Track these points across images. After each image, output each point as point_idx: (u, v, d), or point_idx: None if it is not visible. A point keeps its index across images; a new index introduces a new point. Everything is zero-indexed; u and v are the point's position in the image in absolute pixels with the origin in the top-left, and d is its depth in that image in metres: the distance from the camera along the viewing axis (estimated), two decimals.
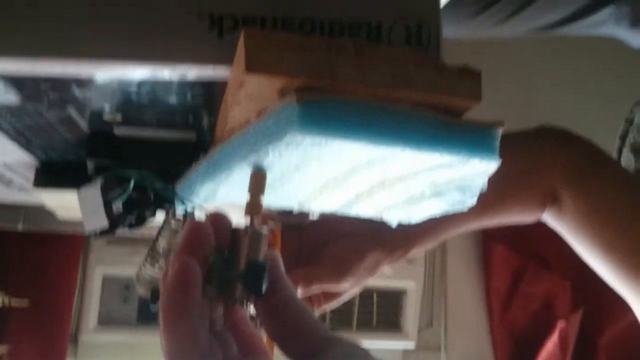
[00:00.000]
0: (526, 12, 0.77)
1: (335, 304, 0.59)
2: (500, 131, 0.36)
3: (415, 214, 0.47)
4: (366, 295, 1.45)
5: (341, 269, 0.55)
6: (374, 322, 1.45)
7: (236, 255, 0.35)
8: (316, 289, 0.55)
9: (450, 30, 0.85)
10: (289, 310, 0.34)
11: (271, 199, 0.45)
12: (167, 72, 0.39)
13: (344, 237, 0.56)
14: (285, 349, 0.34)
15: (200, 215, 0.56)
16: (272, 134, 0.33)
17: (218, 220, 0.35)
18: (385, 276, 1.46)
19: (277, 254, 0.36)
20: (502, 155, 0.54)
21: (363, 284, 0.58)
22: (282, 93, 0.33)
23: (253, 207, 0.37)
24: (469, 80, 0.36)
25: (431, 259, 1.54)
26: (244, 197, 0.38)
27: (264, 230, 0.36)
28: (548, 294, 1.53)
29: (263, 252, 0.35)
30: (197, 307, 0.31)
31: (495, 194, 0.54)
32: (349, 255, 0.55)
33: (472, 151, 0.35)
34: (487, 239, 1.59)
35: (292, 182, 0.41)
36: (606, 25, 0.77)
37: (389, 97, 0.34)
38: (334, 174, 0.39)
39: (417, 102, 0.35)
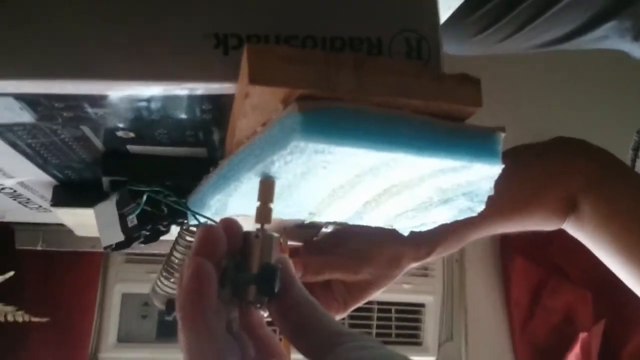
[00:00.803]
0: (527, 31, 0.78)
1: (358, 303, 0.59)
2: (502, 136, 0.36)
3: (425, 222, 0.48)
4: (384, 309, 1.45)
5: (359, 259, 0.56)
6: (393, 337, 1.45)
7: (248, 259, 0.36)
8: (331, 276, 0.55)
9: (452, 48, 0.86)
10: (300, 309, 0.35)
11: (282, 209, 0.46)
12: (176, 90, 0.40)
13: (365, 233, 0.57)
14: (300, 348, 0.34)
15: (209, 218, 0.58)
16: (277, 142, 0.34)
17: (229, 225, 0.36)
18: (403, 291, 1.46)
19: (288, 258, 0.37)
20: (525, 162, 0.57)
21: (389, 281, 0.59)
22: (285, 103, 0.34)
23: (263, 213, 0.38)
24: (468, 87, 0.36)
25: (449, 273, 1.54)
26: (254, 208, 0.39)
27: (275, 234, 0.37)
28: (569, 306, 1.51)
29: (274, 256, 0.36)
30: (213, 306, 0.32)
31: (518, 198, 0.56)
32: (368, 247, 0.56)
33: (475, 155, 0.35)
34: (506, 252, 1.58)
35: (301, 191, 0.42)
36: (609, 39, 0.77)
37: (389, 105, 0.35)
38: (341, 182, 0.40)
39: (418, 110, 0.36)
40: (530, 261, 1.54)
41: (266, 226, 0.37)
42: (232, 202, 0.46)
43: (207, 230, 0.35)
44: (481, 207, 0.43)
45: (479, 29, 0.81)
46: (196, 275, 0.32)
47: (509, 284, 1.57)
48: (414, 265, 0.59)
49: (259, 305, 0.36)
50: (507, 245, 1.56)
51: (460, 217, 0.46)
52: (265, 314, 0.38)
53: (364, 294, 0.58)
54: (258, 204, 0.38)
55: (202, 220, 0.53)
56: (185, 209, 0.54)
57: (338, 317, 0.58)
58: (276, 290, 0.35)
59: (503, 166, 0.36)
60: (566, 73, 1.63)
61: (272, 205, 0.38)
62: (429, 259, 0.58)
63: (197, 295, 0.32)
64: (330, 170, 0.37)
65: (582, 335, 1.41)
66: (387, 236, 0.55)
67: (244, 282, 0.35)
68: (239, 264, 0.35)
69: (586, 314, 1.47)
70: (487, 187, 0.40)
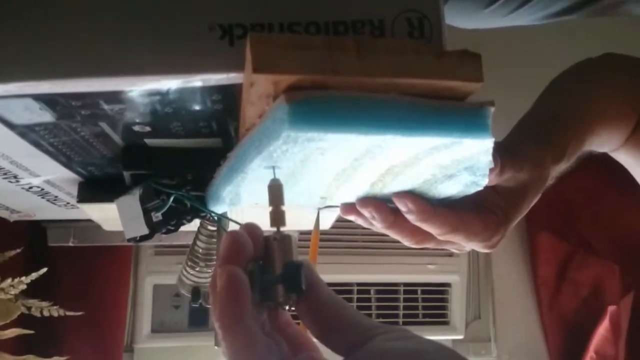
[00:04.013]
0: (537, 1, 0.76)
1: (519, 212, 0.52)
2: (491, 110, 0.37)
3: (434, 197, 0.48)
4: (410, 291, 1.46)
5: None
6: (420, 317, 1.45)
7: (271, 261, 0.36)
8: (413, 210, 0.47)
9: (463, 22, 0.85)
10: (329, 307, 0.35)
11: (293, 197, 0.47)
12: (185, 83, 0.41)
13: None
14: (331, 346, 0.34)
15: (232, 217, 0.59)
16: (271, 134, 0.35)
17: (252, 230, 0.37)
18: (428, 271, 1.46)
19: (309, 260, 0.38)
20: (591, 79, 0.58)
21: (542, 183, 0.52)
22: (276, 94, 0.35)
23: (276, 217, 0.39)
24: (469, 63, 0.37)
25: (474, 252, 1.53)
26: (266, 196, 0.40)
27: (292, 234, 0.37)
28: (597, 280, 1.50)
29: (295, 255, 0.37)
30: (249, 311, 0.33)
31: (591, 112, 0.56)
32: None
33: (464, 131, 0.36)
34: (532, 228, 1.57)
35: (306, 177, 0.43)
36: (625, 5, 0.75)
37: (390, 86, 0.36)
38: (342, 166, 0.41)
39: (420, 89, 0.36)
40: (556, 236, 1.52)
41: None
42: (243, 192, 0.47)
43: (234, 237, 0.35)
44: (485, 181, 0.43)
45: (490, 0, 0.80)
46: (230, 284, 0.33)
47: (536, 260, 1.56)
48: (558, 169, 0.53)
49: (287, 307, 0.37)
50: (532, 221, 1.55)
51: (468, 192, 0.46)
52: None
53: (523, 201, 0.52)
54: (270, 208, 0.39)
55: (224, 217, 0.54)
56: (202, 208, 0.55)
57: (501, 231, 0.51)
58: (304, 286, 0.35)
59: (494, 139, 0.37)
60: (574, 43, 1.58)
61: (283, 208, 0.39)
62: (564, 165, 0.54)
63: (233, 302, 0.32)
64: (327, 156, 0.38)
65: (611, 309, 1.40)
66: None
67: (271, 283, 0.35)
68: (264, 267, 0.36)
69: (614, 287, 1.46)
70: (485, 160, 0.40)
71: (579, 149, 0.54)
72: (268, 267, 0.36)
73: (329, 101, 0.34)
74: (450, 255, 1.47)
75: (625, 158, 0.61)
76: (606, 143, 0.59)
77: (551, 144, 0.52)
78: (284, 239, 0.37)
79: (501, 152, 0.47)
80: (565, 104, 0.56)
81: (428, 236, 0.51)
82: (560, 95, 0.58)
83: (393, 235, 0.51)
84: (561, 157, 0.52)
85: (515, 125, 0.55)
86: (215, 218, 0.59)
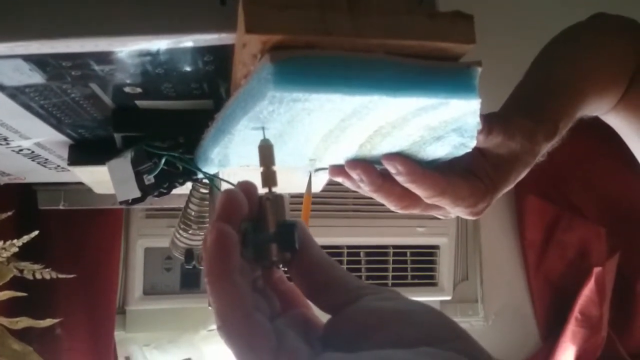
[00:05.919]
0: None
1: (507, 183, 0.53)
2: (479, 70, 0.37)
3: (424, 159, 0.49)
4: (400, 253, 1.48)
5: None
6: (409, 279, 1.48)
7: (264, 221, 0.36)
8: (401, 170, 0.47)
9: None
10: (320, 267, 0.36)
11: (282, 158, 0.47)
12: (176, 43, 0.41)
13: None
14: (322, 306, 0.35)
15: (224, 178, 0.59)
16: (256, 94, 0.35)
17: (248, 188, 0.37)
18: (417, 234, 1.48)
19: (302, 221, 0.38)
20: (585, 42, 0.58)
21: (531, 157, 0.53)
22: (262, 54, 0.35)
23: (268, 177, 0.39)
24: (461, 24, 0.37)
25: None
26: (254, 157, 0.40)
27: (284, 194, 0.38)
28: (583, 242, 1.52)
29: (287, 215, 0.37)
30: (238, 267, 0.33)
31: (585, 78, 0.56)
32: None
33: (450, 92, 0.36)
34: (519, 191, 1.59)
35: (294, 138, 0.43)
36: None
37: (382, 47, 0.36)
38: (329, 127, 0.41)
39: (412, 51, 0.36)
40: (543, 200, 1.54)
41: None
42: (231, 153, 0.47)
43: (229, 196, 0.35)
44: (473, 142, 0.44)
45: None
46: (219, 240, 0.33)
47: (523, 223, 1.58)
48: (549, 146, 0.54)
49: (281, 266, 0.37)
50: (520, 185, 1.55)
51: (457, 153, 0.46)
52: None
53: (511, 172, 0.53)
54: (261, 169, 0.39)
55: (217, 177, 0.54)
56: (196, 170, 0.55)
57: (487, 199, 0.52)
58: (297, 245, 0.35)
59: (480, 100, 0.37)
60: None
61: (275, 168, 0.39)
62: (554, 141, 0.54)
63: (221, 258, 0.32)
64: (314, 116, 0.38)
65: (597, 270, 1.42)
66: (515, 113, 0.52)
67: (264, 242, 0.36)
68: (257, 226, 0.36)
69: (600, 249, 1.48)
70: (473, 121, 0.40)
71: (570, 123, 0.55)
72: (262, 226, 0.37)
73: (314, 61, 0.34)
74: (439, 217, 1.49)
75: (614, 121, 0.61)
76: (597, 109, 0.59)
77: (543, 122, 0.52)
78: (276, 199, 0.37)
79: (491, 117, 0.48)
80: (556, 77, 0.56)
81: (414, 202, 0.52)
82: (551, 65, 0.58)
83: (380, 199, 0.52)
84: (553, 135, 0.53)
85: (508, 96, 0.56)
86: (208, 179, 0.59)
